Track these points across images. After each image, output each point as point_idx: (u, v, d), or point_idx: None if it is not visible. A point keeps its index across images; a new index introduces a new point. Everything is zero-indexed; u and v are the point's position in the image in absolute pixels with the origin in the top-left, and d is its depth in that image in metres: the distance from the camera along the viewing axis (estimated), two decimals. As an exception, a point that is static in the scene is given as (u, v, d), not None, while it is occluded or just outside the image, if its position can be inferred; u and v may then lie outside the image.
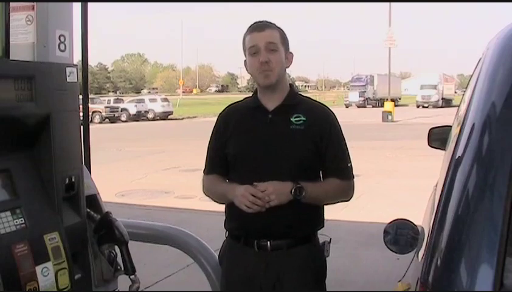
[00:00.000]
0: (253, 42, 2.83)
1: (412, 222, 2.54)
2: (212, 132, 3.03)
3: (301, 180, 2.74)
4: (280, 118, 2.85)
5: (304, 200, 2.73)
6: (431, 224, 1.98)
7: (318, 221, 2.95)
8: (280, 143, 2.83)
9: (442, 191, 1.96)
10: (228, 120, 2.99)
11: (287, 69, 2.94)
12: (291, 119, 2.83)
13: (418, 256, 2.28)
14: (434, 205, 2.14)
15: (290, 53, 2.92)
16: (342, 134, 2.93)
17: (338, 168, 2.88)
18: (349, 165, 2.91)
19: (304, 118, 2.83)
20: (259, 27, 2.84)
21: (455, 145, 2.04)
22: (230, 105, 3.08)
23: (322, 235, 2.99)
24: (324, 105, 3.00)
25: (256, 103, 2.92)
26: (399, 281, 2.70)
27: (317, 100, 3.07)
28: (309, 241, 2.90)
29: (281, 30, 2.90)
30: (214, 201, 3.02)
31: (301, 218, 2.82)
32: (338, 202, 2.96)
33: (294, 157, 2.81)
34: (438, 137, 4.82)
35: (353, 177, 2.94)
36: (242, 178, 2.79)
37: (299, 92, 3.06)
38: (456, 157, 1.97)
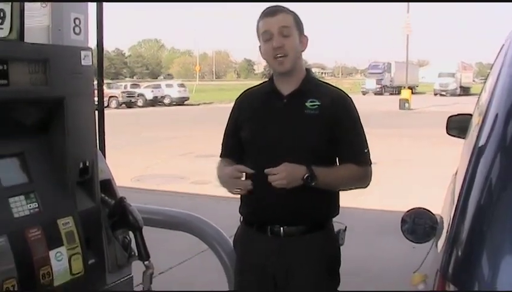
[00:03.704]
0: (266, 27, 2.79)
1: (430, 212, 2.50)
2: (229, 116, 3.02)
3: (315, 165, 2.71)
4: (295, 103, 2.81)
5: (316, 186, 2.70)
6: (451, 214, 1.94)
7: (333, 207, 2.93)
8: (294, 128, 2.80)
9: (463, 180, 1.92)
10: (243, 105, 2.97)
11: (303, 54, 2.90)
12: (306, 104, 2.79)
13: (436, 246, 2.23)
14: (454, 195, 2.10)
15: (305, 36, 2.88)
16: (359, 120, 2.88)
17: (354, 154, 2.84)
18: (366, 150, 2.87)
19: (319, 103, 2.79)
20: (271, 11, 2.80)
21: (478, 134, 2.00)
22: (246, 90, 3.06)
23: (337, 223, 2.95)
24: (341, 90, 2.95)
25: (271, 88, 2.89)
26: (414, 271, 2.66)
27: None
28: (323, 228, 2.87)
29: (295, 13, 2.85)
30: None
31: (315, 204, 2.79)
32: (355, 188, 2.92)
33: (307, 142, 2.78)
34: (456, 125, 4.77)
35: (371, 163, 2.89)
36: (256, 162, 2.77)
37: (317, 78, 3.03)
38: (479, 146, 1.93)
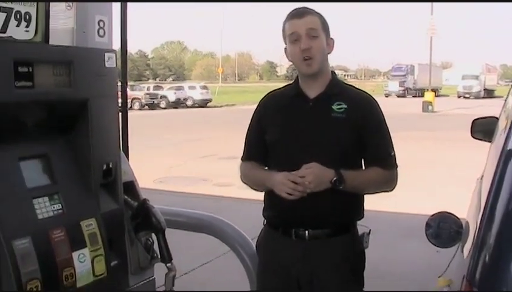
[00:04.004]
0: (294, 29, 2.77)
1: (455, 216, 2.48)
2: (251, 118, 3.00)
3: (342, 168, 2.69)
4: (321, 106, 2.79)
5: (343, 189, 2.68)
6: (478, 219, 1.91)
7: (358, 211, 2.90)
8: (320, 131, 2.78)
9: (491, 185, 1.89)
10: (268, 107, 2.95)
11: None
12: (332, 107, 2.78)
13: (462, 251, 2.20)
14: (481, 199, 2.07)
15: (331, 39, 2.86)
16: (385, 123, 2.86)
17: (380, 157, 2.82)
18: (392, 154, 2.84)
19: (345, 106, 2.77)
20: (299, 13, 2.78)
21: (506, 137, 1.97)
22: (270, 92, 3.04)
23: (361, 226, 2.93)
24: (367, 93, 2.93)
25: (297, 91, 2.87)
26: (439, 276, 2.64)
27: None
28: (348, 231, 2.85)
29: (321, 15, 2.83)
30: (252, 188, 2.98)
31: (340, 207, 2.77)
32: (380, 191, 2.90)
33: (334, 145, 2.76)
34: (481, 129, 4.72)
35: (396, 166, 2.87)
36: (281, 166, 2.75)
37: (342, 81, 3.01)
38: (507, 150, 1.90)
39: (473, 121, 4.93)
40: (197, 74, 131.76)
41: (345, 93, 2.84)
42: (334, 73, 2.94)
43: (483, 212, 1.86)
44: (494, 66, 70.60)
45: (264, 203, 2.94)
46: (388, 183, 2.87)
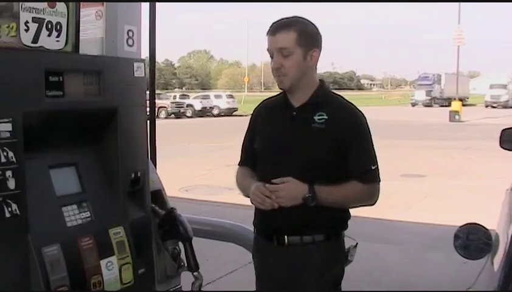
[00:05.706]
0: (268, 46, 2.77)
1: (484, 227, 2.45)
2: (247, 127, 3.04)
3: (319, 181, 2.67)
4: (303, 116, 2.77)
5: (317, 204, 2.67)
6: (510, 231, 1.89)
7: (340, 221, 2.87)
8: (299, 141, 2.77)
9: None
10: (259, 115, 2.98)
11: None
12: (314, 117, 2.75)
13: (492, 264, 2.18)
14: (511, 210, 2.05)
15: (315, 50, 2.78)
16: (369, 135, 2.81)
17: (360, 171, 2.76)
18: (373, 167, 2.78)
19: (326, 117, 2.74)
20: (273, 29, 2.76)
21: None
22: (263, 101, 3.07)
23: (349, 238, 2.90)
24: (352, 104, 2.87)
25: (284, 100, 2.87)
26: (469, 288, 2.61)
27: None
28: (329, 240, 2.81)
29: (303, 27, 2.76)
30: (242, 194, 2.98)
31: (320, 216, 2.74)
32: (360, 206, 2.85)
33: (312, 156, 2.73)
34: (510, 139, 4.65)
35: (379, 180, 2.81)
36: (263, 174, 2.79)
37: (330, 90, 3.00)
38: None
39: (503, 131, 4.85)
40: (223, 83, 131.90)
41: (330, 104, 2.80)
42: (323, 82, 2.90)
43: (514, 224, 1.83)
44: (522, 75, 69.72)
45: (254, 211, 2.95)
46: (367, 198, 2.82)
